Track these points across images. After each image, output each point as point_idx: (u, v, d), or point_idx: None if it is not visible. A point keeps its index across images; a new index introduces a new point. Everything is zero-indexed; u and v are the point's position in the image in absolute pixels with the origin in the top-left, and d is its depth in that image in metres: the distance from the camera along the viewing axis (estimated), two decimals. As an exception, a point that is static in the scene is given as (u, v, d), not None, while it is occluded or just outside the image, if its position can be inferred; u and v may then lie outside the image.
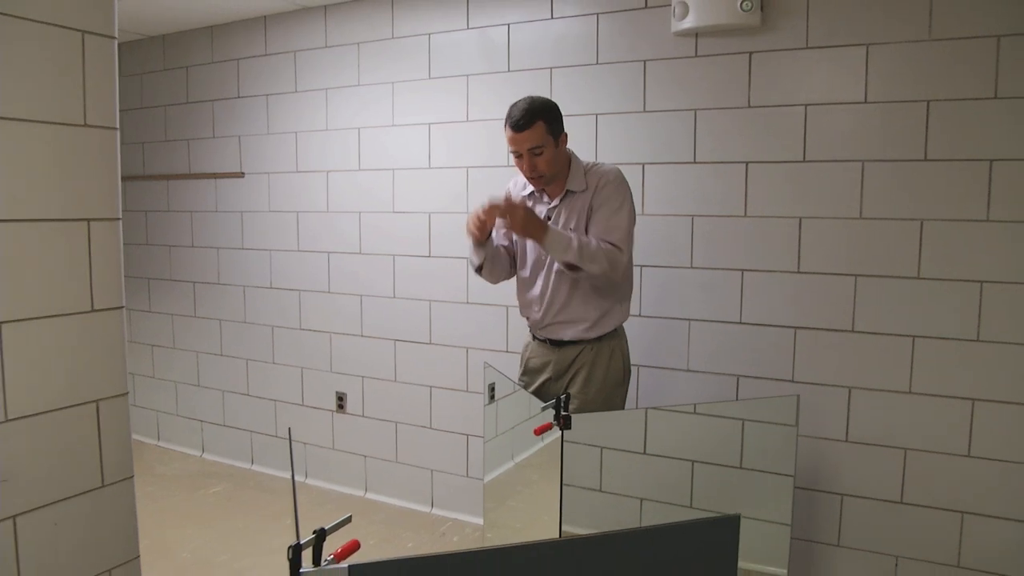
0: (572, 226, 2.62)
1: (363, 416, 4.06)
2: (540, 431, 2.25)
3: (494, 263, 2.79)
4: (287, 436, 1.90)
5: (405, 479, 3.95)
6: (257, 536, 3.61)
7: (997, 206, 2.63)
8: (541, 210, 2.69)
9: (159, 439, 4.94)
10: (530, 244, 2.71)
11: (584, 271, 2.51)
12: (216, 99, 4.42)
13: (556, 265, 2.62)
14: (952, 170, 2.69)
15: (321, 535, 1.28)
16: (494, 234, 2.75)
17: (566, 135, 2.63)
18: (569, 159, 2.68)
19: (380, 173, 3.87)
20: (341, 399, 4.12)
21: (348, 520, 1.38)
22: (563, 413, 2.16)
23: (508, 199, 2.55)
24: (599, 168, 2.67)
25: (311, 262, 4.15)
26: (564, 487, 2.56)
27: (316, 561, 1.27)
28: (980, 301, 2.68)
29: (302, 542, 1.22)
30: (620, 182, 2.63)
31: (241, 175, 4.35)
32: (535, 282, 2.74)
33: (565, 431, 2.17)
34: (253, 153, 4.30)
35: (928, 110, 2.71)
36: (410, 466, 3.94)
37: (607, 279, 2.56)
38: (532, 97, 2.59)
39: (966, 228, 2.69)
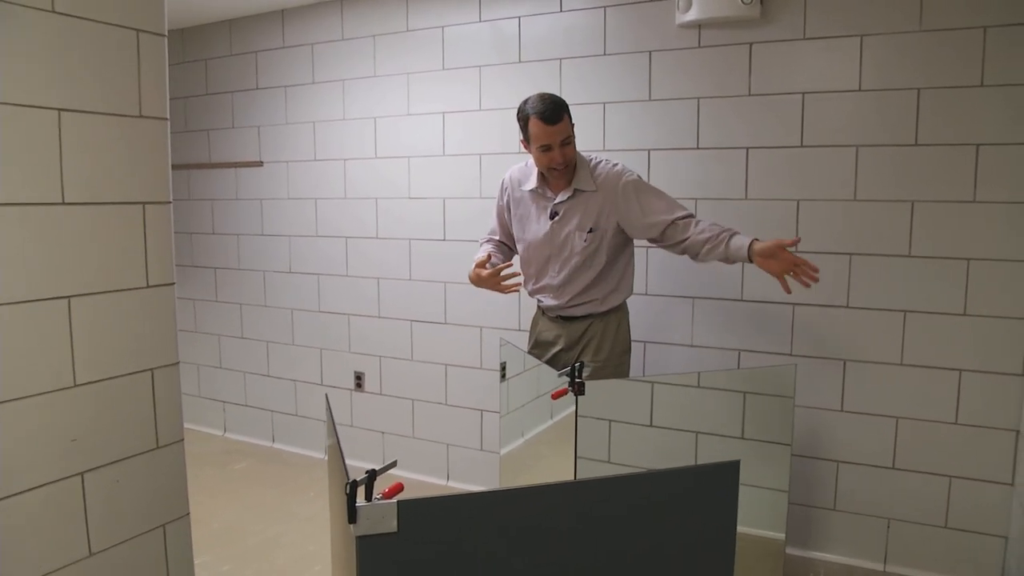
0: (580, 224, 2.75)
1: (381, 394, 4.23)
2: (557, 396, 2.41)
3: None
4: (325, 403, 2.07)
5: (422, 454, 4.13)
6: (284, 507, 3.78)
7: (983, 188, 2.79)
8: (545, 206, 2.84)
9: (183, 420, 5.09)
10: (539, 236, 2.85)
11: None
12: (235, 91, 4.58)
13: (575, 259, 2.77)
14: (941, 154, 2.84)
15: (372, 475, 1.45)
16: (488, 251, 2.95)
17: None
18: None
19: (396, 161, 4.02)
20: (359, 378, 4.29)
21: (394, 464, 1.55)
22: (577, 380, 2.31)
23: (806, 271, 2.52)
24: (606, 167, 2.79)
25: (329, 247, 4.31)
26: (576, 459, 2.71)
27: (368, 497, 1.43)
28: (967, 277, 2.84)
29: (357, 480, 1.38)
30: (635, 177, 2.76)
31: (260, 164, 4.51)
32: (546, 272, 2.88)
33: (580, 396, 2.33)
34: (272, 142, 4.46)
35: (919, 97, 2.86)
36: (427, 441, 4.11)
37: None
38: (550, 93, 2.72)
39: (954, 209, 2.84)
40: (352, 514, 1.32)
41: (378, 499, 1.40)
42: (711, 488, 1.65)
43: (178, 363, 2.03)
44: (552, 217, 2.81)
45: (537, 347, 3.01)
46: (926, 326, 2.92)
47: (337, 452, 1.64)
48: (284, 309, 4.54)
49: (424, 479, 4.10)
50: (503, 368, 3.07)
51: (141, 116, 1.86)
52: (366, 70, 4.05)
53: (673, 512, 1.60)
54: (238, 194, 4.65)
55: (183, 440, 2.06)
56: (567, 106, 2.70)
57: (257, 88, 4.48)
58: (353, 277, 4.24)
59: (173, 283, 2.00)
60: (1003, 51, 2.72)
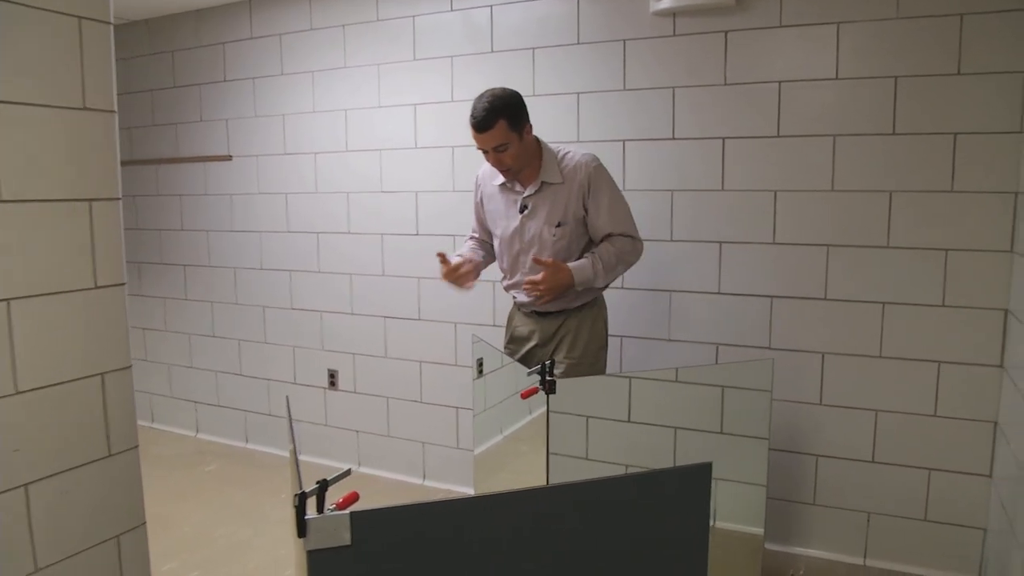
0: (549, 218, 2.69)
1: (355, 392, 4.16)
2: (527, 395, 2.35)
3: (483, 266, 2.98)
4: (286, 405, 1.99)
5: (397, 452, 4.06)
6: (254, 510, 3.70)
7: (961, 177, 2.74)
8: (515, 199, 2.78)
9: (153, 421, 5.02)
10: (510, 235, 2.80)
11: (616, 278, 2.78)
12: (203, 83, 4.47)
13: (545, 254, 2.71)
14: (919, 143, 2.80)
15: (324, 485, 1.38)
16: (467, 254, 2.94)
17: (530, 126, 2.68)
18: (539, 147, 2.74)
19: (367, 154, 3.94)
20: (333, 376, 4.21)
21: (348, 473, 1.48)
22: (548, 378, 2.25)
23: (532, 291, 2.63)
24: (571, 157, 2.72)
25: (300, 242, 4.22)
26: (551, 456, 2.67)
27: (319, 509, 1.36)
28: (945, 268, 2.80)
29: (306, 491, 1.31)
30: (601, 170, 2.70)
31: (229, 158, 4.41)
32: (519, 267, 2.82)
33: (550, 395, 2.26)
34: (241, 136, 4.37)
35: (896, 86, 2.81)
36: (402, 439, 4.04)
37: (631, 266, 2.77)
38: (493, 93, 2.61)
39: (932, 199, 2.80)
40: (302, 528, 1.25)
41: (331, 510, 1.33)
42: (684, 490, 1.60)
43: (130, 366, 1.94)
44: (522, 211, 2.74)
45: (512, 342, 2.96)
46: (905, 318, 2.88)
47: (293, 460, 1.57)
48: (255, 307, 4.45)
49: (400, 478, 4.04)
50: (479, 365, 3.01)
51: (85, 108, 1.78)
52: (336, 61, 3.96)
53: (645, 516, 1.56)
54: (207, 189, 4.55)
55: (137, 447, 1.97)
56: (509, 109, 2.59)
57: (225, 80, 4.38)
58: (325, 273, 4.16)
59: (123, 283, 1.92)
60: (979, 38, 2.67)
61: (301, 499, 1.26)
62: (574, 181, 2.68)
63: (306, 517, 1.25)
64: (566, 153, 2.74)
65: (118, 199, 1.90)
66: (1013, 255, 2.68)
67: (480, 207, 2.96)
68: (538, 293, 2.60)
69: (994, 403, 2.78)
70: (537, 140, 2.75)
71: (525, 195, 2.75)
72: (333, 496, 1.46)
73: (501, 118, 2.57)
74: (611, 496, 1.50)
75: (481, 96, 2.61)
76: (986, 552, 2.83)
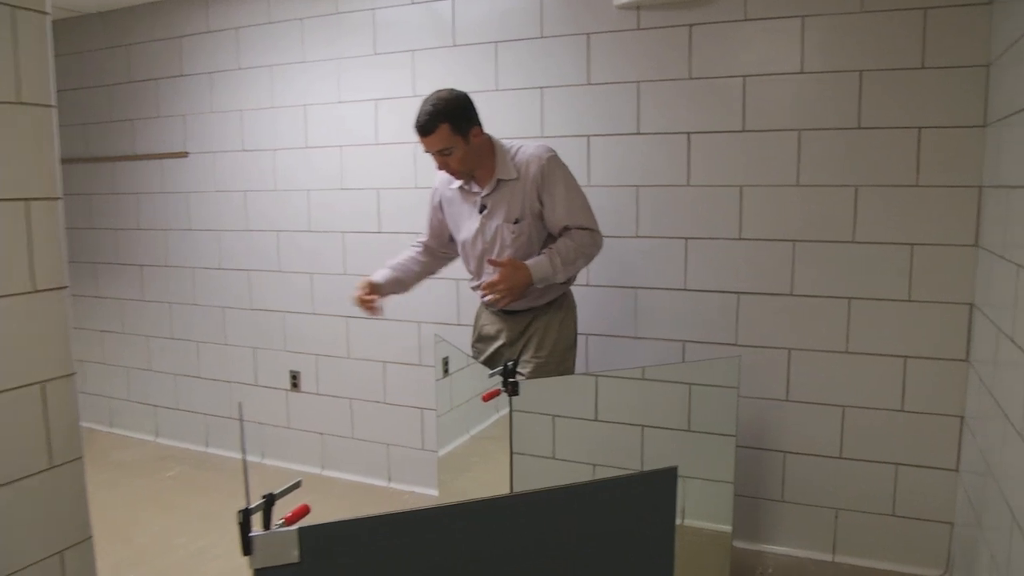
0: (507, 215, 2.64)
1: (318, 394, 4.07)
2: (488, 397, 2.29)
3: (414, 282, 2.98)
4: (239, 413, 1.91)
5: (362, 454, 3.98)
6: (215, 517, 3.61)
7: (926, 172, 2.73)
8: (475, 200, 2.72)
9: (112, 426, 4.89)
10: (472, 233, 2.74)
11: (577, 272, 2.69)
12: (160, 78, 4.35)
13: (507, 252, 2.67)
14: (884, 138, 2.78)
15: (270, 500, 1.31)
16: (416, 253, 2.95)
17: (479, 128, 2.61)
18: (492, 146, 2.68)
19: (328, 150, 3.86)
20: (295, 377, 4.12)
21: (297, 485, 1.41)
22: (511, 380, 2.20)
23: (490, 291, 2.56)
24: (524, 151, 2.66)
25: (260, 241, 4.13)
26: (517, 456, 2.62)
27: (266, 525, 1.29)
28: (911, 263, 2.78)
29: (251, 507, 1.25)
30: (554, 162, 2.64)
31: (186, 155, 4.30)
32: (483, 268, 2.77)
33: (513, 397, 2.21)
34: (198, 132, 4.26)
35: (861, 79, 2.79)
36: (366, 441, 3.96)
37: (592, 259, 2.70)
38: (438, 95, 2.55)
39: (898, 193, 2.78)
40: (246, 546, 1.18)
41: (279, 525, 1.26)
42: (649, 494, 1.56)
43: (73, 374, 1.85)
44: (481, 211, 2.69)
45: (480, 341, 2.92)
46: (871, 313, 2.87)
47: (244, 471, 1.50)
48: (215, 307, 4.34)
49: (365, 481, 3.96)
50: (444, 364, 2.95)
51: (20, 103, 1.68)
52: (294, 55, 3.87)
53: (610, 521, 1.51)
54: (164, 187, 4.43)
55: (82, 458, 1.89)
56: (453, 113, 2.53)
57: (182, 75, 4.26)
58: (286, 272, 4.07)
59: (65, 287, 1.83)
60: (943, 33, 2.66)
61: (245, 515, 1.19)
62: (528, 175, 2.62)
63: (251, 534, 1.19)
64: (519, 148, 2.68)
65: (58, 199, 1.82)
66: (978, 249, 2.67)
67: (439, 211, 2.90)
68: (498, 295, 2.55)
69: (960, 398, 2.77)
70: (489, 139, 2.68)
71: (483, 195, 2.69)
72: (284, 509, 1.40)
73: (444, 122, 2.51)
74: (575, 503, 1.45)
75: (427, 99, 2.55)
76: (953, 546, 2.83)
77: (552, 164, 2.63)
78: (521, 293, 2.58)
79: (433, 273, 3.03)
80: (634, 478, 1.56)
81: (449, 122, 2.52)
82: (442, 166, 2.63)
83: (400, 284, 2.93)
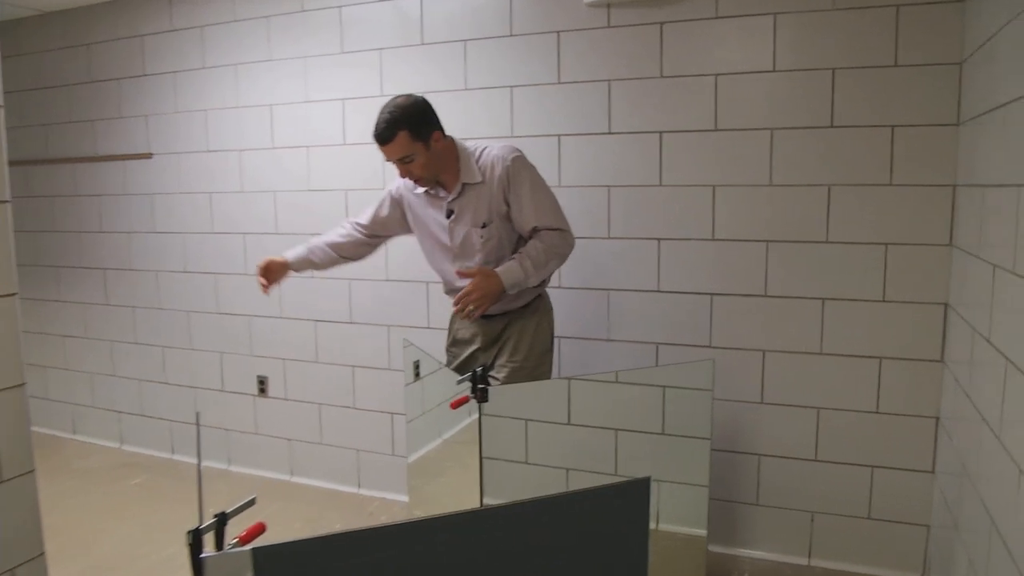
0: (475, 220, 2.59)
1: (286, 399, 3.99)
2: (456, 404, 2.23)
3: (331, 266, 3.01)
4: (197, 422, 1.84)
5: (331, 460, 3.90)
6: (179, 526, 3.47)
7: (899, 170, 2.71)
8: (441, 205, 2.67)
9: (75, 432, 4.77)
10: (441, 239, 2.70)
11: (550, 274, 2.65)
12: (122, 77, 4.24)
13: (478, 258, 2.62)
14: (857, 136, 2.75)
15: (222, 519, 1.25)
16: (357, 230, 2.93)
17: (439, 132, 2.55)
18: (455, 151, 2.62)
19: (295, 151, 3.77)
20: (262, 383, 4.03)
21: (252, 503, 1.35)
22: (480, 386, 2.14)
23: (464, 304, 2.52)
24: (488, 153, 2.60)
25: (226, 244, 4.03)
26: (489, 460, 2.57)
27: (219, 545, 1.23)
28: (885, 263, 2.76)
29: (202, 527, 1.18)
30: (519, 162, 2.58)
31: (150, 156, 4.20)
32: (456, 278, 2.71)
33: (482, 404, 2.15)
34: (162, 133, 4.15)
35: (834, 77, 2.76)
36: (335, 447, 3.89)
37: (565, 259, 2.65)
38: (395, 102, 2.50)
39: (871, 193, 2.76)
40: (197, 568, 1.11)
41: (232, 545, 1.20)
42: (622, 505, 1.51)
43: (23, 384, 1.77)
44: (448, 216, 2.63)
45: (455, 345, 2.87)
46: (845, 313, 2.84)
47: (199, 488, 1.42)
48: (180, 311, 4.24)
49: (335, 487, 3.88)
50: (416, 367, 2.89)
51: (-40, 101, 1.60)
52: (260, 54, 3.78)
53: (582, 534, 1.46)
54: (127, 189, 4.32)
55: (34, 471, 1.81)
56: (412, 119, 2.47)
57: (145, 75, 4.16)
58: (252, 276, 3.94)
59: (14, 294, 1.75)
60: (916, 30, 2.63)
61: (195, 535, 1.12)
62: (493, 178, 2.56)
63: (202, 556, 1.12)
64: (483, 149, 2.62)
65: (6, 202, 1.74)
66: (952, 248, 2.65)
67: (398, 208, 2.83)
68: (472, 306, 2.49)
69: (935, 398, 2.75)
70: (453, 142, 2.62)
71: (449, 199, 2.63)
72: (241, 526, 1.33)
73: (402, 129, 2.46)
74: (546, 515, 1.40)
75: (384, 106, 2.50)
76: (930, 549, 2.80)
77: (517, 165, 2.56)
78: (494, 300, 2.53)
79: (356, 260, 3.02)
80: (607, 489, 1.51)
81: (408, 129, 2.46)
82: (404, 174, 2.57)
83: (314, 267, 2.98)
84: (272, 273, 2.90)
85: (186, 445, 4.34)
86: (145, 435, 4.48)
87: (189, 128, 4.05)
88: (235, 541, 1.23)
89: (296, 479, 4.00)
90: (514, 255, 2.57)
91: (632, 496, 1.51)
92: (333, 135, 3.65)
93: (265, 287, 2.90)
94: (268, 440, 4.07)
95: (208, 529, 1.20)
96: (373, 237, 2.94)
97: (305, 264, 2.95)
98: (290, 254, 2.93)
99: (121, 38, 4.20)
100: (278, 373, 3.98)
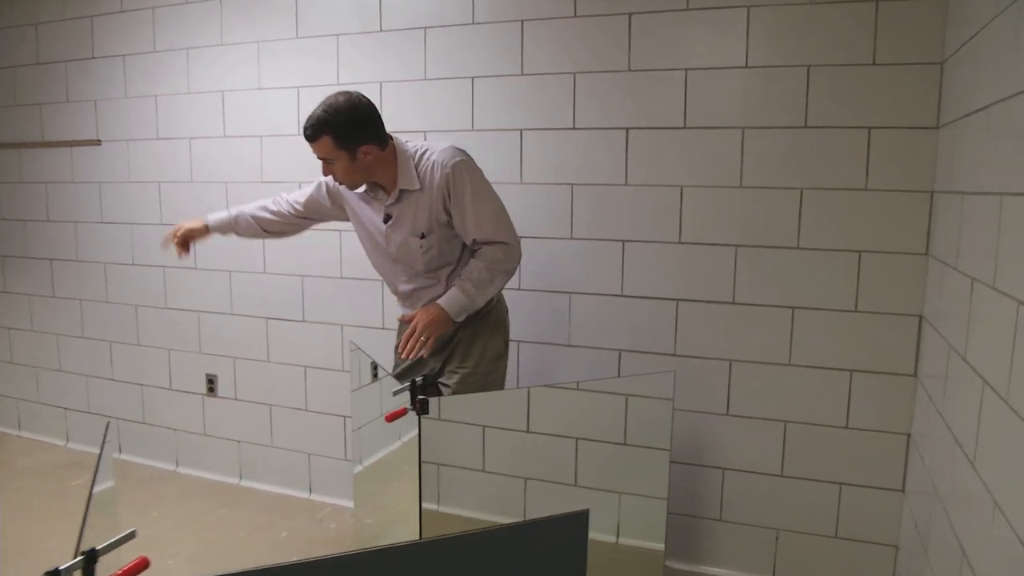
0: (413, 228, 2.44)
1: (235, 399, 3.81)
2: (392, 418, 2.08)
3: (253, 237, 2.94)
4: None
5: (281, 464, 3.74)
6: (124, 528, 3.34)
7: (875, 175, 2.58)
8: (379, 208, 2.51)
9: (20, 428, 4.57)
10: (379, 243, 2.56)
11: (498, 290, 2.52)
12: (69, 60, 4.04)
13: (418, 267, 2.51)
14: (832, 137, 2.62)
15: (91, 556, 1.09)
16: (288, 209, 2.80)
17: (372, 147, 2.35)
18: (395, 153, 2.44)
19: (247, 140, 3.60)
20: (212, 382, 3.86)
21: (132, 536, 1.18)
22: (419, 397, 1.99)
23: (413, 345, 2.39)
24: (428, 158, 2.42)
25: (176, 236, 3.85)
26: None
27: (87, 588, 1.07)
28: (858, 272, 2.63)
29: (61, 568, 1.02)
30: (460, 167, 2.39)
31: (98, 143, 4.00)
32: (397, 280, 2.61)
33: (422, 416, 2.00)
34: (110, 119, 3.96)
35: (808, 75, 2.63)
36: (286, 450, 3.72)
37: (513, 273, 2.52)
38: (334, 100, 2.33)
39: (845, 197, 2.62)
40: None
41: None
42: (560, 540, 1.39)
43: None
44: (385, 221, 2.48)
45: (403, 349, 2.70)
46: (816, 324, 2.71)
47: (85, 510, 1.26)
48: (128, 305, 4.06)
49: (285, 492, 3.72)
50: (374, 369, 2.74)
51: None
52: (212, 38, 3.60)
53: (518, 569, 1.34)
54: (75, 176, 4.12)
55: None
56: (339, 128, 2.30)
57: (93, 57, 3.96)
58: (203, 270, 3.79)
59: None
60: (895, 27, 2.50)
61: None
62: (432, 186, 2.39)
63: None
64: (423, 153, 2.44)
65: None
66: (929, 258, 2.52)
67: (336, 199, 2.67)
68: (421, 345, 2.36)
69: (907, 415, 2.63)
70: (393, 146, 2.44)
71: (387, 204, 2.47)
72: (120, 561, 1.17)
73: (327, 133, 2.30)
74: (482, 550, 1.27)
75: (324, 99, 2.34)
76: (898, 570, 2.69)
77: (457, 171, 2.38)
78: (443, 329, 2.42)
79: (282, 238, 2.93)
80: (544, 522, 1.39)
81: (333, 135, 2.30)
82: (326, 173, 2.44)
83: (235, 234, 2.90)
84: (189, 242, 2.84)
85: (133, 444, 4.16)
86: (92, 433, 4.30)
87: (139, 114, 3.86)
88: (108, 584, 1.08)
89: (246, 483, 3.83)
90: (455, 281, 2.45)
91: (570, 529, 1.39)
92: (288, 124, 3.48)
93: (181, 252, 2.84)
94: (217, 441, 3.89)
95: (74, 568, 1.04)
96: (306, 220, 2.80)
97: (227, 230, 2.86)
98: (212, 218, 2.83)
99: (69, 18, 4.00)
100: (228, 372, 3.81)
